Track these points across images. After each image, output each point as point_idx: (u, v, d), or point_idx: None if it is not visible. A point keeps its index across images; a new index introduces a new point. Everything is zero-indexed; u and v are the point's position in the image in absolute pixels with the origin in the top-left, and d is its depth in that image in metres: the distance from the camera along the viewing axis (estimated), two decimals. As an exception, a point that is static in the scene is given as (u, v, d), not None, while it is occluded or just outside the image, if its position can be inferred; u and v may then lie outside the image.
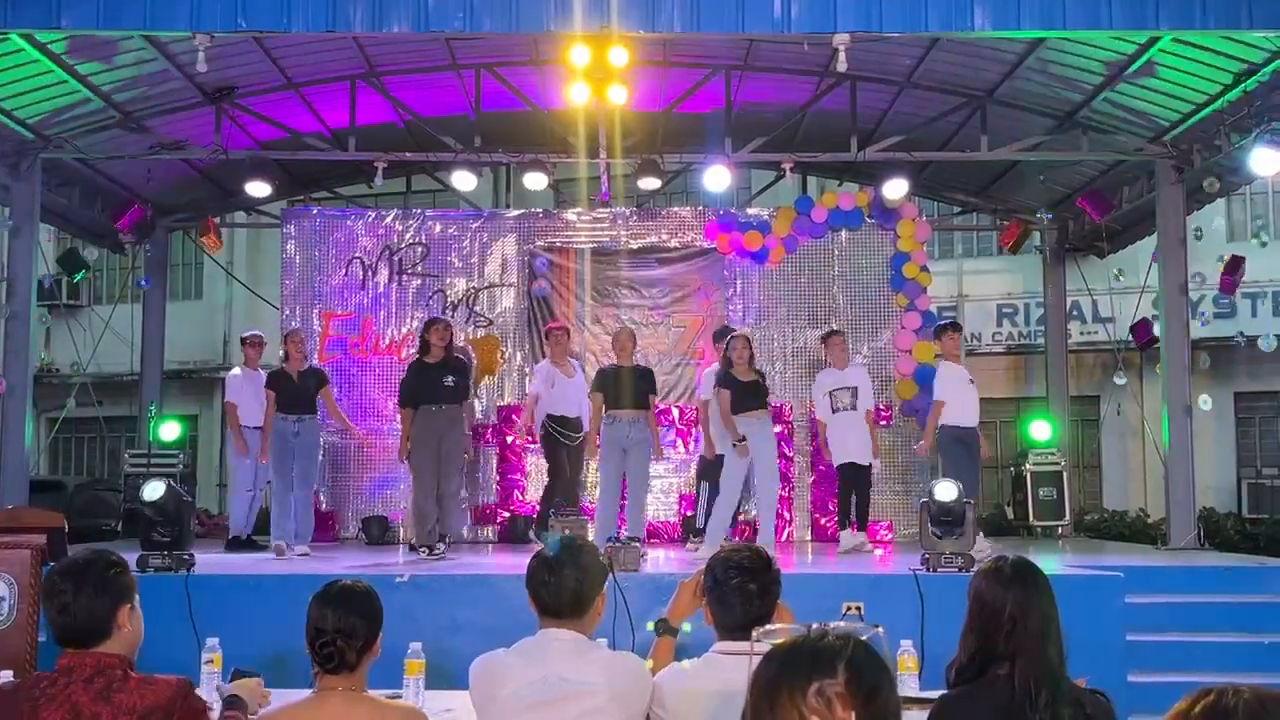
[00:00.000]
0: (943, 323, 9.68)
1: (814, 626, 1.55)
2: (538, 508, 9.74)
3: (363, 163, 10.87)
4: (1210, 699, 1.51)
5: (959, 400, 8.74)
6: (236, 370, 10.03)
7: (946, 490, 7.00)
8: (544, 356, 9.97)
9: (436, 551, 8.34)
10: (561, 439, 9.33)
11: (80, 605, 2.80)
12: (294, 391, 9.16)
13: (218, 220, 12.77)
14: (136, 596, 2.92)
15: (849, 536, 9.29)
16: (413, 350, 11.24)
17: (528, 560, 3.03)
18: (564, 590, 2.92)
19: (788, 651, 1.52)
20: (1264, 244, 12.63)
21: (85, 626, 2.80)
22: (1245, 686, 1.52)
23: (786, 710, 1.46)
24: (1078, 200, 11.35)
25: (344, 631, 2.86)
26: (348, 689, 2.89)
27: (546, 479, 9.61)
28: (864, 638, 1.53)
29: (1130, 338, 11.81)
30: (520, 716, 2.85)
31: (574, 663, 2.88)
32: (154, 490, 6.90)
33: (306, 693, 2.94)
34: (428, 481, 8.58)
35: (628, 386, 8.57)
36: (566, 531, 6.79)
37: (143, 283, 12.77)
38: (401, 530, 10.87)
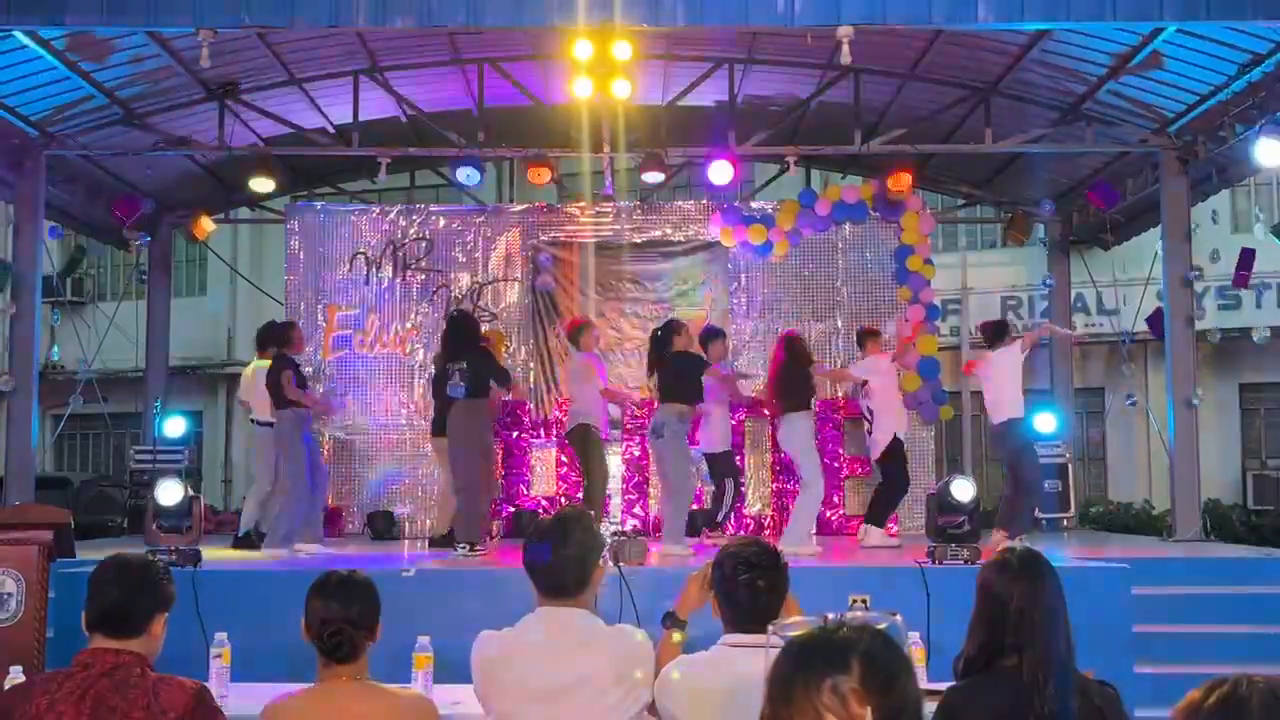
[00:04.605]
0: (990, 321, 9.54)
1: (830, 618, 1.51)
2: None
3: (366, 158, 10.85)
4: (1225, 690, 1.47)
5: (1021, 389, 8.71)
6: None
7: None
8: (559, 348, 9.50)
9: (489, 546, 8.09)
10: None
11: (131, 602, 2.83)
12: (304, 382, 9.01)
13: (220, 216, 12.77)
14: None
15: (878, 534, 9.14)
16: (416, 344, 11.35)
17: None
18: (562, 567, 2.92)
19: (802, 646, 1.49)
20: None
21: (125, 618, 2.82)
22: (1260, 676, 1.48)
23: (802, 706, 1.43)
24: (1086, 193, 11.32)
25: (352, 620, 2.93)
26: (353, 677, 2.93)
27: (586, 480, 8.85)
28: (881, 626, 1.48)
29: (1147, 327, 11.64)
30: (523, 700, 2.86)
31: (576, 642, 2.89)
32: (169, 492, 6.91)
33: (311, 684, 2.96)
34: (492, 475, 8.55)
35: None
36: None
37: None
38: (405, 525, 10.86)
